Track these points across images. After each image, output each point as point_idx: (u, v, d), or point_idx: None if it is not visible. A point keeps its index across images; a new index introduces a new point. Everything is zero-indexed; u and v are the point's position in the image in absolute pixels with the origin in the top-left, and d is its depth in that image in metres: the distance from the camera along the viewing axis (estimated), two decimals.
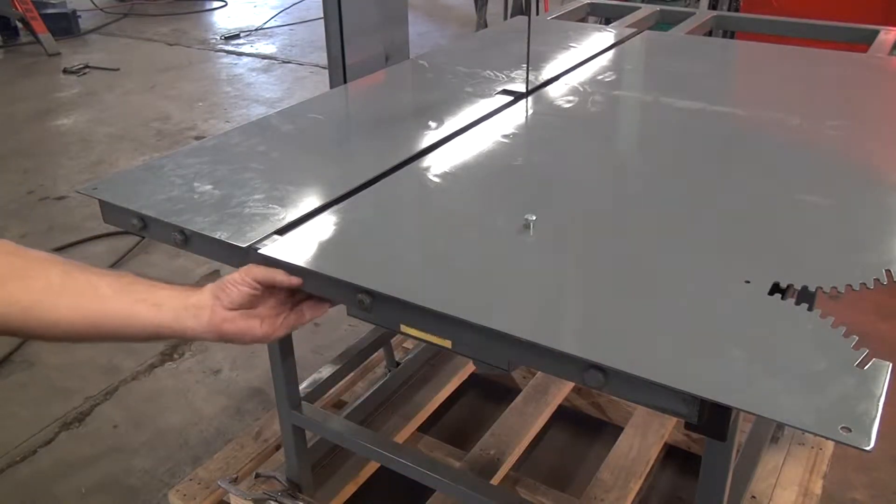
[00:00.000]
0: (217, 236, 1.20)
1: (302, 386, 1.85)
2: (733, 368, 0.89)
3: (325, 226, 1.26)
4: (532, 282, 1.10)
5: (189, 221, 1.25)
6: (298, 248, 1.18)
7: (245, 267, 1.14)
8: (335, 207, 1.31)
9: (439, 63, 2.13)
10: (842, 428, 0.79)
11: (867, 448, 0.76)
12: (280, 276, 1.12)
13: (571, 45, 2.27)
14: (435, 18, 7.47)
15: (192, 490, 1.90)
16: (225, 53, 6.62)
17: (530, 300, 1.05)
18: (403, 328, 1.09)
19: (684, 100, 1.80)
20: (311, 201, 1.32)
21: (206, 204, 1.31)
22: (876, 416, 0.80)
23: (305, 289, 1.16)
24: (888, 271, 1.07)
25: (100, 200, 1.34)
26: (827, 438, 0.79)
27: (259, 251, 1.17)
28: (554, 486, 1.96)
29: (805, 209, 1.28)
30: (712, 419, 0.89)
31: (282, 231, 1.23)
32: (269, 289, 1.14)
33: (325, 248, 1.19)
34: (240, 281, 1.11)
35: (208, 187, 1.36)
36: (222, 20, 7.82)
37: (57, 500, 2.19)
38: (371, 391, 2.09)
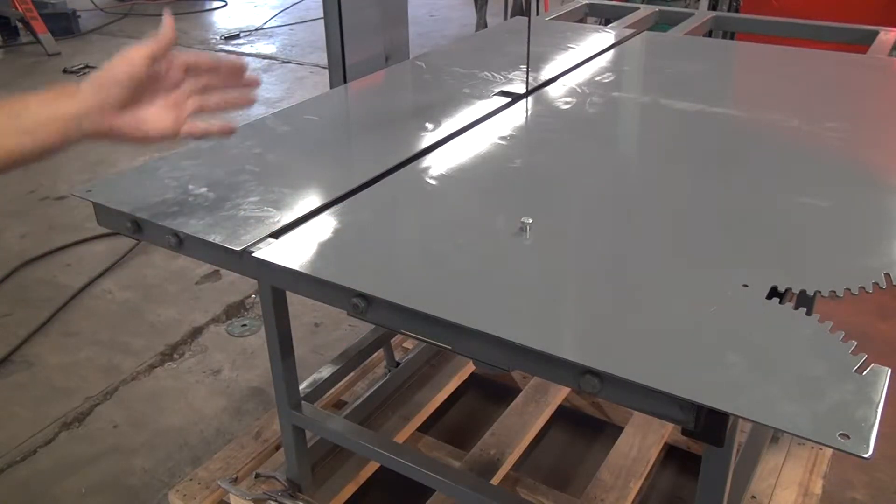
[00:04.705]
0: (211, 239, 1.20)
1: (302, 386, 1.85)
2: (730, 374, 0.88)
3: (321, 228, 1.25)
4: (527, 286, 1.09)
5: (183, 224, 1.24)
6: (293, 252, 1.17)
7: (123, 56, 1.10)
8: (331, 210, 1.31)
9: (438, 64, 2.12)
10: (840, 435, 0.78)
11: (865, 455, 0.76)
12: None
13: (570, 45, 2.26)
14: (436, 18, 7.46)
15: (192, 490, 1.90)
16: (225, 53, 6.61)
17: (525, 304, 1.04)
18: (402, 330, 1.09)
19: (683, 101, 1.79)
20: (307, 204, 1.31)
21: (201, 206, 1.30)
22: (875, 423, 0.79)
23: (301, 293, 1.16)
24: (887, 275, 1.06)
25: (94, 203, 1.34)
26: (825, 446, 0.79)
27: (253, 254, 1.16)
28: (554, 486, 1.96)
29: (803, 211, 1.27)
30: (710, 425, 0.88)
31: (276, 234, 1.22)
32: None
33: (320, 252, 1.18)
34: (121, 76, 1.07)
35: (203, 190, 1.36)
36: (222, 20, 7.81)
37: (57, 501, 2.19)
38: (371, 391, 2.09)
